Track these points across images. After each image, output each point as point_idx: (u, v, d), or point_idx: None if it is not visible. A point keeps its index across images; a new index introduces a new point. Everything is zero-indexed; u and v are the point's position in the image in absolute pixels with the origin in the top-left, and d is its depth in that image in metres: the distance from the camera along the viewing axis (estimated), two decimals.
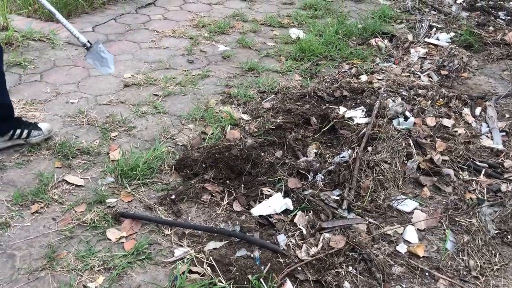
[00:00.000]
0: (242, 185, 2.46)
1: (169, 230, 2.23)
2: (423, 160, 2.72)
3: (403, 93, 3.42)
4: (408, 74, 3.87)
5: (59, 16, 2.46)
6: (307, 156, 2.68)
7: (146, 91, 3.50)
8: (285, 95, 3.46)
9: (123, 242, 2.16)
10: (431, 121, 3.10)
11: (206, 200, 2.41)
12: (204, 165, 2.54)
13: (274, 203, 2.29)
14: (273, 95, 3.48)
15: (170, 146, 2.83)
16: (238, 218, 2.27)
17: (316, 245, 2.10)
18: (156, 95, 3.46)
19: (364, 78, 3.69)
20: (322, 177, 2.48)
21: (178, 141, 2.91)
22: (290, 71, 3.94)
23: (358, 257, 2.06)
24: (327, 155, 2.67)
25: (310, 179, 2.48)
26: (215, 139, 2.84)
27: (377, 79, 3.66)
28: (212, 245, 2.10)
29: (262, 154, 2.67)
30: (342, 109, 3.15)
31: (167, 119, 3.16)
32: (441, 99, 3.38)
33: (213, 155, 2.56)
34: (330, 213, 2.24)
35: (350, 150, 2.58)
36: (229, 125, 2.92)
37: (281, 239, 2.10)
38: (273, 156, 2.72)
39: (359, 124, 2.93)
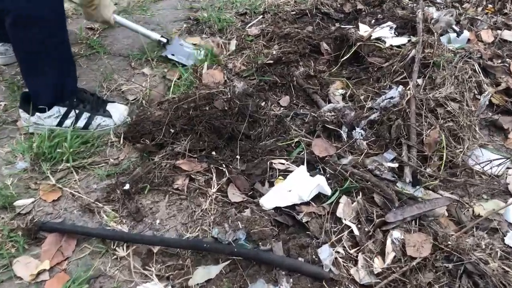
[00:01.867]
0: (238, 157, 1.53)
1: (125, 248, 1.30)
2: (495, 92, 1.84)
3: (438, 0, 2.47)
4: None
5: (129, 24, 2.12)
6: (329, 101, 1.74)
7: (76, 24, 2.42)
8: (276, 15, 2.46)
9: (45, 281, 1.23)
10: (487, 35, 2.19)
11: (182, 188, 1.47)
12: (173, 130, 1.57)
13: (297, 185, 1.37)
14: (260, 17, 2.46)
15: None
16: (240, 216, 1.35)
17: (381, 254, 1.22)
18: (91, 28, 2.40)
19: None
20: (363, 132, 1.56)
21: (129, 94, 1.91)
22: None
23: (458, 271, 1.19)
24: (362, 97, 1.74)
25: (344, 138, 1.56)
26: (185, 87, 1.85)
27: None
28: (201, 274, 1.20)
29: (263, 104, 1.71)
30: (362, 28, 2.19)
31: (110, 62, 2.12)
32: (490, 5, 2.45)
33: (186, 112, 1.59)
34: (393, 194, 1.34)
35: (400, 87, 1.65)
36: (205, 63, 1.90)
37: (325, 254, 1.20)
38: (278, 105, 1.76)
39: (396, 47, 1.98)
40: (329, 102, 1.75)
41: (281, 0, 2.63)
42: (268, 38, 2.22)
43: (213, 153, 1.54)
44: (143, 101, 1.81)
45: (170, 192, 1.47)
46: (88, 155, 1.62)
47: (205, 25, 2.39)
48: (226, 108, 1.59)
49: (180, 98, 1.66)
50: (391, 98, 1.60)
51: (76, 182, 1.52)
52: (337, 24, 2.38)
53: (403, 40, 2.02)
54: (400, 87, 1.63)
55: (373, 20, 2.35)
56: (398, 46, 2.00)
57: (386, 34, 2.13)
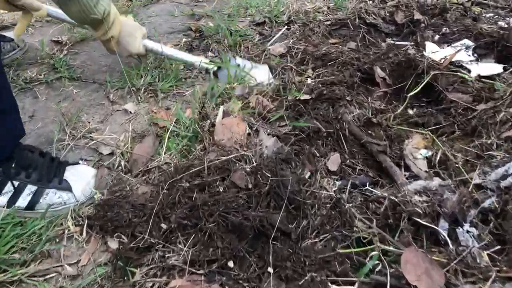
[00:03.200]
0: (271, 271, 0.92)
1: None
2: None
3: None
4: None
5: (166, 50, 1.53)
6: (406, 167, 1.14)
7: (39, 36, 1.82)
8: (306, 26, 1.85)
9: None
10: None
11: None
12: (165, 225, 0.97)
13: None
14: (284, 29, 1.86)
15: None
16: None
17: None
18: (58, 42, 1.79)
19: None
20: (475, 231, 0.96)
21: (103, 145, 1.30)
22: None
23: None
24: (457, 162, 1.13)
25: (449, 244, 0.95)
26: (186, 140, 1.23)
27: None
28: None
29: (308, 175, 1.10)
30: (430, 47, 1.59)
31: (79, 93, 1.52)
32: None
33: (187, 195, 0.99)
34: None
35: None
36: (221, 107, 1.25)
37: None
38: (328, 174, 1.15)
39: (486, 77, 1.38)
40: (406, 168, 1.15)
41: (310, 6, 2.02)
42: (300, 59, 1.62)
43: (230, 264, 0.94)
44: (122, 163, 1.19)
45: None
46: (31, 258, 1.01)
47: (212, 39, 1.78)
48: (250, 186, 0.99)
49: (177, 166, 1.05)
50: None
51: None
52: (388, 40, 1.78)
53: (496, 68, 1.42)
54: None
55: (437, 36, 1.75)
56: (490, 77, 1.40)
57: (463, 57, 1.53)
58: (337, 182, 1.09)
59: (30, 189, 1.09)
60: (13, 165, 1.08)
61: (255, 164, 1.04)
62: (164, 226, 0.96)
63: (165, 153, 1.17)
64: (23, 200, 1.08)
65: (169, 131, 1.21)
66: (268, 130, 1.23)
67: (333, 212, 1.03)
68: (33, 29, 1.87)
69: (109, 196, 1.07)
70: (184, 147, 1.18)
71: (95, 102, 1.48)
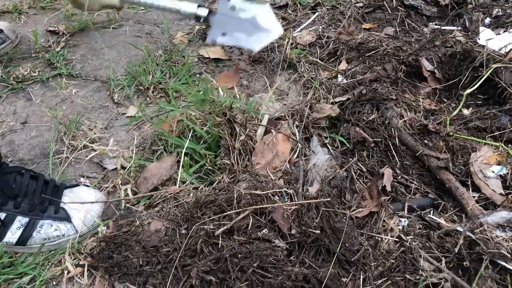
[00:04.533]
0: None
1: None
2: None
3: None
4: None
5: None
6: (474, 187, 0.94)
7: (32, 25, 1.61)
8: (336, 9, 1.62)
9: None
10: None
11: None
12: (184, 278, 0.77)
13: None
14: (314, 16, 1.63)
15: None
16: None
17: None
18: (54, 32, 1.58)
19: None
20: None
21: (106, 159, 1.11)
22: None
23: None
24: None
25: None
26: (208, 162, 1.02)
27: None
28: None
29: (368, 213, 0.90)
30: (485, 34, 1.36)
31: (79, 93, 1.32)
32: None
33: (210, 241, 0.79)
34: None
35: None
36: (265, 116, 1.01)
37: None
38: (387, 204, 0.94)
39: None
40: (475, 189, 0.94)
41: None
42: (333, 50, 1.40)
43: None
44: (129, 189, 0.99)
45: None
46: None
47: None
48: (293, 232, 0.79)
49: (198, 199, 0.85)
50: None
51: None
52: (431, 24, 1.55)
53: None
54: None
55: (488, 18, 1.52)
56: None
57: None
58: (402, 220, 0.88)
59: (20, 221, 0.90)
60: None
61: (299, 202, 0.83)
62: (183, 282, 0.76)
63: (179, 181, 0.96)
64: (13, 235, 0.89)
65: (183, 149, 1.00)
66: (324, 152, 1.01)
67: (390, 247, 0.84)
68: (25, 17, 1.66)
69: (115, 231, 0.88)
70: (207, 168, 0.97)
71: (97, 104, 1.28)
